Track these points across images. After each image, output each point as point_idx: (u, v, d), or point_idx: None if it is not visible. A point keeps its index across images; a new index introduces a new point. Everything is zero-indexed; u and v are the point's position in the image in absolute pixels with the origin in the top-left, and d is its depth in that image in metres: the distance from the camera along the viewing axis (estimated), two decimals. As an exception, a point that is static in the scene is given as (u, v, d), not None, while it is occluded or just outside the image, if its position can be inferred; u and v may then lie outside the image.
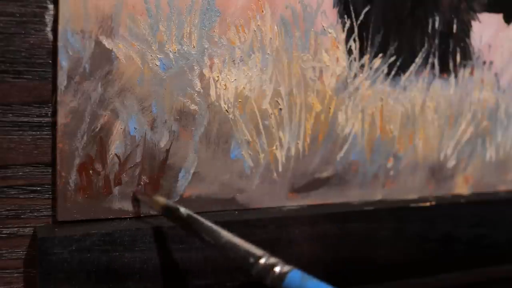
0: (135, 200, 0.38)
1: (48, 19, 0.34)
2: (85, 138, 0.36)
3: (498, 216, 0.51)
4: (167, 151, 0.38)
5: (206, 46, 0.39)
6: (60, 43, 0.34)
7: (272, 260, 0.32)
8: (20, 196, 0.35)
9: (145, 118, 0.37)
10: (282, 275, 0.31)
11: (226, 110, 0.40)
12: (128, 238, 0.36)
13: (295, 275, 0.31)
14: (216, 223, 0.39)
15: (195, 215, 0.35)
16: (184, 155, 0.39)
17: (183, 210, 0.36)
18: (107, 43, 0.35)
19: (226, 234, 0.34)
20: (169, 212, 0.37)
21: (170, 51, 0.37)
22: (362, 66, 0.45)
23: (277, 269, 0.31)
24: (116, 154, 0.37)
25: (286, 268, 0.31)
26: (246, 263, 0.32)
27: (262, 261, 0.32)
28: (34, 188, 0.35)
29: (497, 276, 0.52)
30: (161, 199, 0.38)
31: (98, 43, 0.35)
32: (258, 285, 0.41)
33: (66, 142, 0.35)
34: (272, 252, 0.41)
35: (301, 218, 0.42)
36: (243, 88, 0.40)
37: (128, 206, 0.38)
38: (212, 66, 0.39)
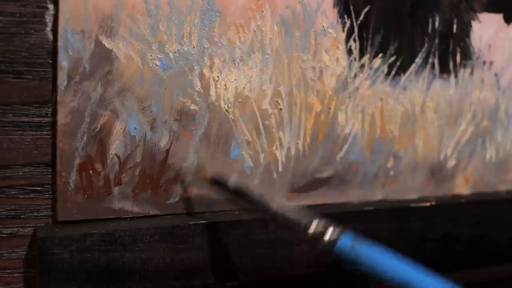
0: (181, 182, 0.39)
1: (48, 19, 0.34)
2: (85, 138, 0.36)
3: (498, 216, 0.51)
4: (167, 151, 0.38)
5: (206, 46, 0.39)
6: (60, 43, 0.34)
7: (324, 224, 0.33)
8: (20, 196, 0.35)
9: (145, 118, 0.37)
10: (334, 240, 0.32)
11: (226, 110, 0.40)
12: (128, 238, 0.36)
13: (346, 239, 0.31)
14: (216, 223, 0.39)
15: (245, 189, 0.37)
16: (184, 155, 0.39)
17: (232, 184, 0.38)
18: (107, 43, 0.35)
19: (277, 206, 0.35)
20: (218, 184, 0.38)
21: (170, 51, 0.37)
22: (362, 66, 0.45)
23: (328, 233, 0.32)
24: (116, 154, 0.37)
25: (337, 232, 0.32)
26: (298, 229, 0.33)
27: (314, 224, 0.33)
28: (34, 188, 0.35)
29: (497, 276, 0.52)
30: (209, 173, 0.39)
31: (98, 43, 0.35)
32: (259, 285, 0.41)
33: (66, 142, 0.35)
34: (272, 252, 0.41)
35: (301, 218, 0.42)
36: (243, 88, 0.40)
37: (128, 206, 0.38)
38: (212, 66, 0.39)
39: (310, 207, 0.44)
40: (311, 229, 0.32)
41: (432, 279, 0.30)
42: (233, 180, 0.38)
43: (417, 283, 0.30)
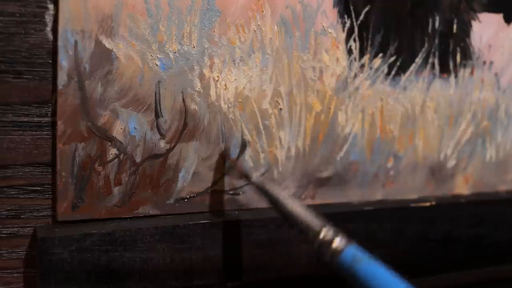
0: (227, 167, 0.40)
1: (48, 19, 0.34)
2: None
3: (498, 216, 0.51)
4: (167, 151, 0.38)
5: (206, 46, 0.39)
6: (60, 43, 0.34)
7: (331, 235, 0.32)
8: (20, 196, 0.35)
9: (145, 118, 0.37)
10: (339, 250, 0.32)
11: (226, 110, 0.40)
12: (128, 238, 0.36)
13: (349, 253, 0.31)
14: (216, 223, 0.39)
15: (266, 185, 0.37)
16: (184, 155, 0.39)
17: (255, 177, 0.38)
18: (107, 43, 0.35)
19: (291, 206, 0.35)
20: (247, 177, 0.39)
21: (170, 51, 0.37)
22: (362, 66, 0.45)
23: (334, 245, 0.32)
24: (116, 154, 0.37)
25: (344, 242, 0.32)
26: (307, 234, 0.33)
27: (321, 235, 0.33)
28: (34, 188, 0.35)
29: (497, 276, 0.52)
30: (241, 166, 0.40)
31: (98, 43, 0.35)
32: (259, 285, 0.41)
33: (66, 142, 0.35)
34: (272, 252, 0.41)
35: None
36: (243, 88, 0.40)
37: (128, 206, 0.38)
38: (212, 66, 0.39)
39: (310, 207, 0.44)
40: (320, 237, 0.32)
41: None
42: (257, 174, 0.38)
43: None
